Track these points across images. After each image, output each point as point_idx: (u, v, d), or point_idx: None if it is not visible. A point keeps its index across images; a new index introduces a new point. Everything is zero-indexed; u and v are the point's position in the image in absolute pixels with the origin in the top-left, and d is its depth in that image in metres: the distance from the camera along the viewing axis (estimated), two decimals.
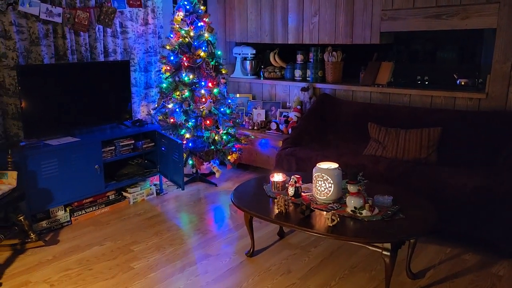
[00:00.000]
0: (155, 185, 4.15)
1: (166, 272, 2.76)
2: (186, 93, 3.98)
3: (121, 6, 3.96)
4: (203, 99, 4.02)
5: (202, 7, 4.10)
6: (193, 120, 4.02)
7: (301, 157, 3.67)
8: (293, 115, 4.45)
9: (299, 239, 3.18)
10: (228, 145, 4.24)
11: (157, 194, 4.12)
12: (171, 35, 4.06)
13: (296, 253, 2.98)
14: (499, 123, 3.31)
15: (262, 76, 4.98)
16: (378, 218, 2.40)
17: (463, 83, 3.76)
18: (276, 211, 2.57)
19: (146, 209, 3.78)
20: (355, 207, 2.45)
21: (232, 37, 5.12)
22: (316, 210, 2.55)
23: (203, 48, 4.01)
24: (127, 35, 4.13)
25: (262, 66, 5.03)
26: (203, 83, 4.03)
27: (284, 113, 4.63)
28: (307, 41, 4.49)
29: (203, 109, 4.00)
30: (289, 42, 4.65)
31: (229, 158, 4.25)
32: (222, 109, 4.15)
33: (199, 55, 3.99)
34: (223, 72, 4.19)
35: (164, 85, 4.07)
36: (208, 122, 4.03)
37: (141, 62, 4.31)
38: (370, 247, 2.38)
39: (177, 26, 4.01)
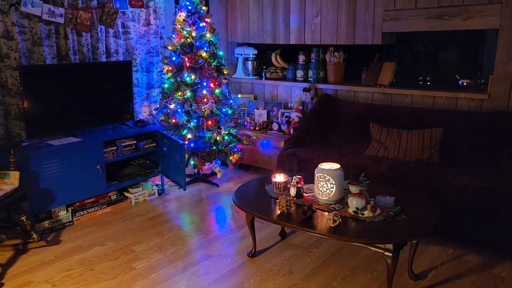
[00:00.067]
0: (156, 185, 4.15)
1: (167, 273, 2.76)
2: (188, 94, 3.98)
3: (123, 7, 3.97)
4: (205, 100, 4.02)
5: (204, 8, 4.10)
6: (195, 121, 4.03)
7: (303, 158, 3.67)
8: (294, 116, 4.45)
9: (301, 239, 3.18)
10: (230, 145, 4.24)
11: (159, 194, 4.12)
12: (173, 36, 4.07)
13: (297, 254, 2.98)
14: (501, 124, 3.30)
15: (264, 76, 4.98)
16: (380, 219, 2.40)
17: (465, 84, 3.76)
18: (278, 211, 2.57)
19: (148, 210, 3.78)
20: (357, 208, 2.44)
21: (234, 37, 5.13)
22: (318, 210, 2.55)
23: (205, 48, 4.01)
24: (129, 35, 4.13)
25: (264, 67, 5.03)
26: (205, 84, 4.03)
27: (285, 114, 4.63)
28: (309, 42, 4.49)
29: (205, 110, 4.00)
30: (291, 43, 4.64)
31: (230, 158, 4.26)
32: (224, 110, 4.15)
33: (201, 55, 3.99)
34: (225, 72, 4.19)
35: (166, 85, 4.08)
36: (210, 122, 4.03)
37: (143, 62, 4.31)
38: (372, 248, 2.38)
39: (179, 26, 4.01)
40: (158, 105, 4.24)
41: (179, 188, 4.11)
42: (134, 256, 2.97)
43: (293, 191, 2.71)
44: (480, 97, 3.54)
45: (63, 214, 3.43)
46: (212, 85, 4.04)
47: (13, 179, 2.94)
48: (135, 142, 3.87)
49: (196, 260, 2.92)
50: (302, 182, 2.75)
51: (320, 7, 4.33)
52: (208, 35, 4.04)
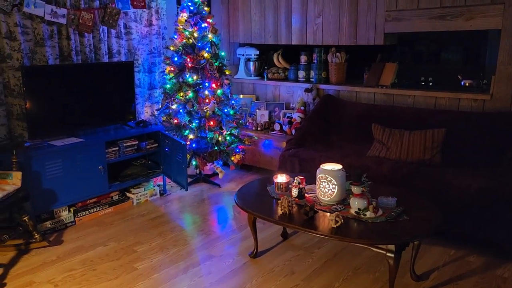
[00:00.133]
0: (158, 185, 4.15)
1: (169, 273, 2.76)
2: (190, 94, 3.99)
3: (125, 7, 3.98)
4: (207, 100, 4.02)
5: (206, 8, 4.11)
6: (196, 121, 4.03)
7: (304, 158, 3.67)
8: (296, 116, 4.44)
9: (303, 240, 3.18)
10: (232, 146, 4.24)
11: (161, 194, 4.12)
12: (175, 36, 4.07)
13: (299, 254, 2.98)
14: (503, 124, 3.29)
15: (265, 77, 4.98)
16: (382, 219, 2.39)
17: (467, 84, 3.75)
18: (280, 212, 2.57)
19: (150, 210, 3.79)
20: (359, 209, 2.44)
21: (235, 38, 5.13)
22: (319, 211, 2.55)
23: (207, 49, 4.01)
24: (131, 36, 4.14)
25: (266, 67, 5.03)
26: (206, 84, 4.03)
27: (287, 114, 4.62)
28: (310, 42, 4.49)
29: (207, 110, 4.01)
30: (292, 43, 4.65)
31: (232, 159, 4.26)
32: (225, 110, 4.15)
33: (203, 56, 4.00)
34: (227, 73, 4.19)
35: (168, 86, 4.08)
36: (211, 123, 4.03)
37: (145, 63, 4.32)
38: (374, 249, 2.37)
39: (181, 27, 4.01)
40: (160, 106, 4.25)
41: (181, 189, 4.12)
42: (136, 256, 2.97)
43: (295, 192, 2.71)
44: (482, 98, 3.53)
45: (65, 215, 3.44)
46: (214, 85, 4.04)
47: (15, 180, 2.94)
48: (137, 142, 3.88)
49: (198, 260, 2.92)
50: (304, 183, 2.76)
51: (322, 8, 4.33)
52: (210, 35, 4.05)
